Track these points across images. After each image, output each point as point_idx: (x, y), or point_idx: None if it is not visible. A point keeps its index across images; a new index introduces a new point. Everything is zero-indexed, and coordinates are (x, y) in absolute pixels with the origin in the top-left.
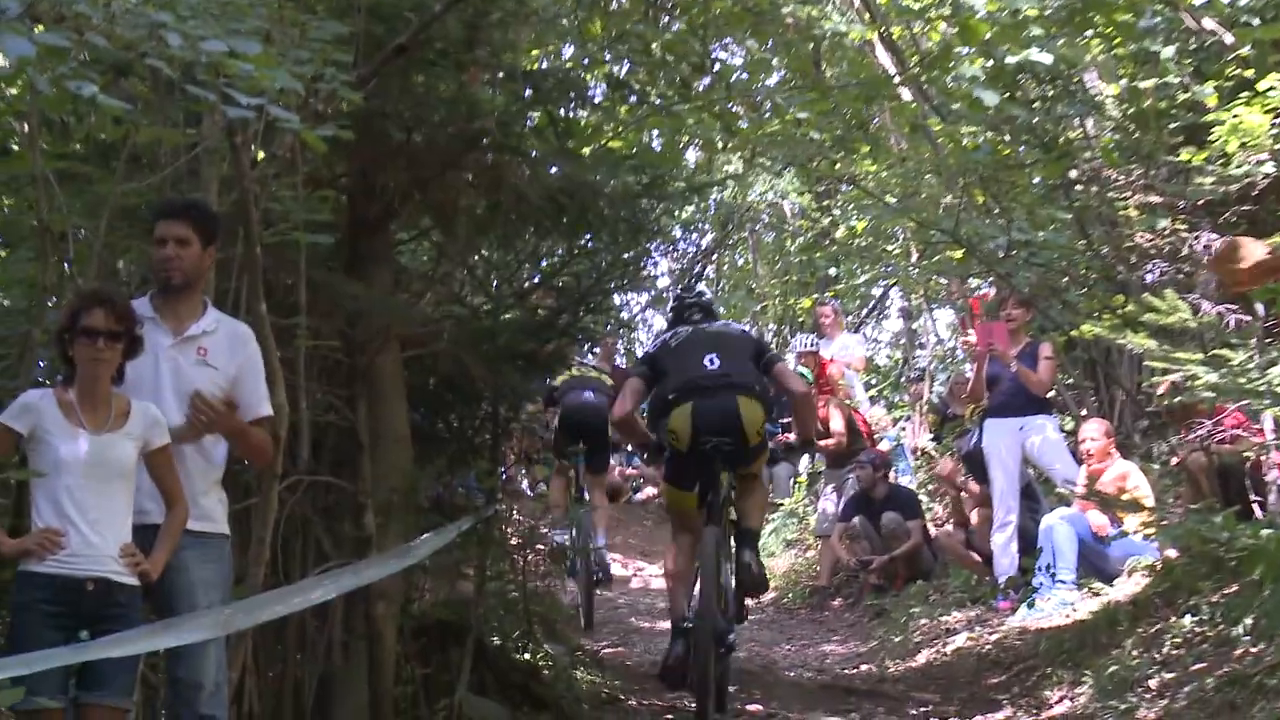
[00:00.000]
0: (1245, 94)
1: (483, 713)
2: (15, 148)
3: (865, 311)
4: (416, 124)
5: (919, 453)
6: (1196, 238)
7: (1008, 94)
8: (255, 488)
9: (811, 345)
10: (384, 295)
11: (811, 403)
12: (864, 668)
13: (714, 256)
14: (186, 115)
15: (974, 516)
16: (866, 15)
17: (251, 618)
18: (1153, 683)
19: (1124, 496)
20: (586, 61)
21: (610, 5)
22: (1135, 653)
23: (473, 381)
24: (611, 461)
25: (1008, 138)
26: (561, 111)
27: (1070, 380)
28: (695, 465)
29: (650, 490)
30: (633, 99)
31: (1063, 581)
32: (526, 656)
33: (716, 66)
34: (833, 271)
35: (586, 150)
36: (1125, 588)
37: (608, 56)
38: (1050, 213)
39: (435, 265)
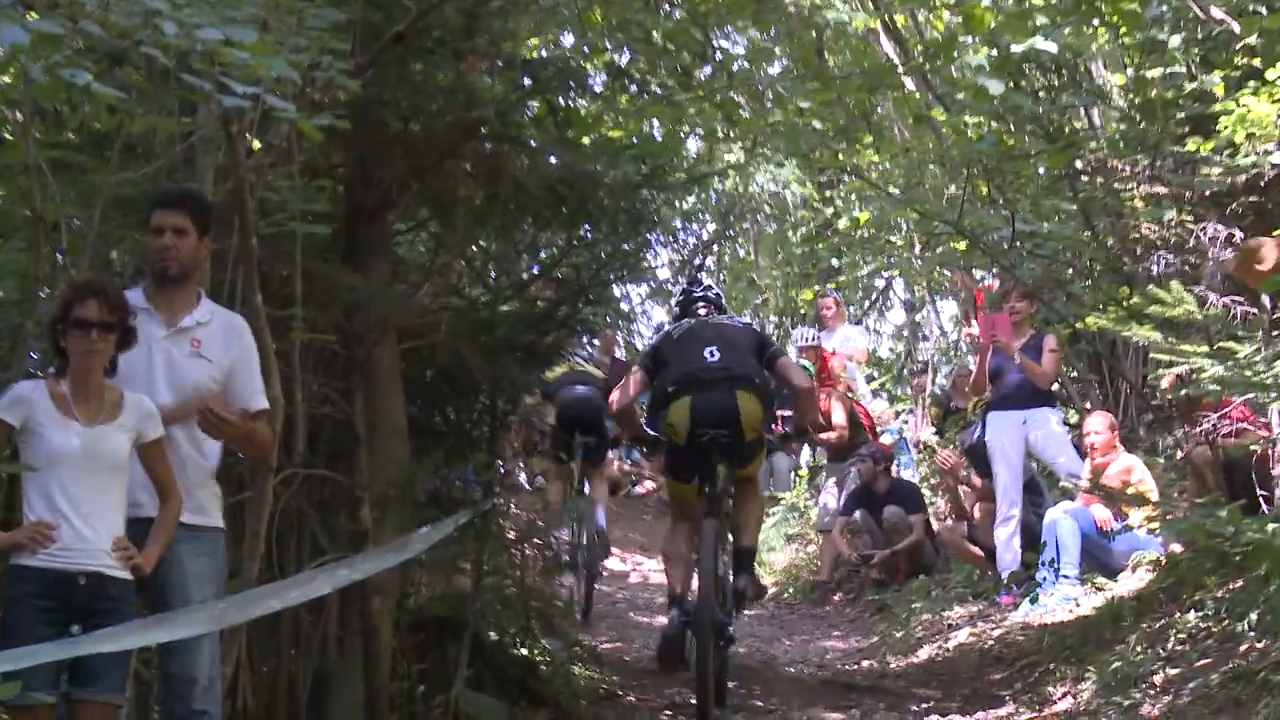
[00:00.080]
0: (1253, 83)
1: (480, 708)
2: (8, 136)
3: (868, 304)
4: (414, 113)
5: (921, 446)
6: (1203, 229)
7: (1012, 84)
8: (250, 481)
9: (812, 339)
10: (381, 286)
11: (813, 397)
12: (865, 663)
13: (715, 248)
14: (182, 104)
15: (976, 510)
16: (870, 3)
17: (245, 612)
18: (1157, 679)
19: (1128, 490)
20: (586, 50)
21: None
22: (1139, 649)
23: (471, 374)
24: (610, 455)
25: (1012, 128)
26: (561, 101)
27: (1074, 373)
28: (693, 458)
29: (649, 484)
30: (633, 88)
31: (1066, 576)
32: (524, 652)
33: (718, 55)
34: (835, 263)
35: (586, 140)
36: (1129, 583)
37: (608, 45)
38: (1055, 204)
39: (433, 256)
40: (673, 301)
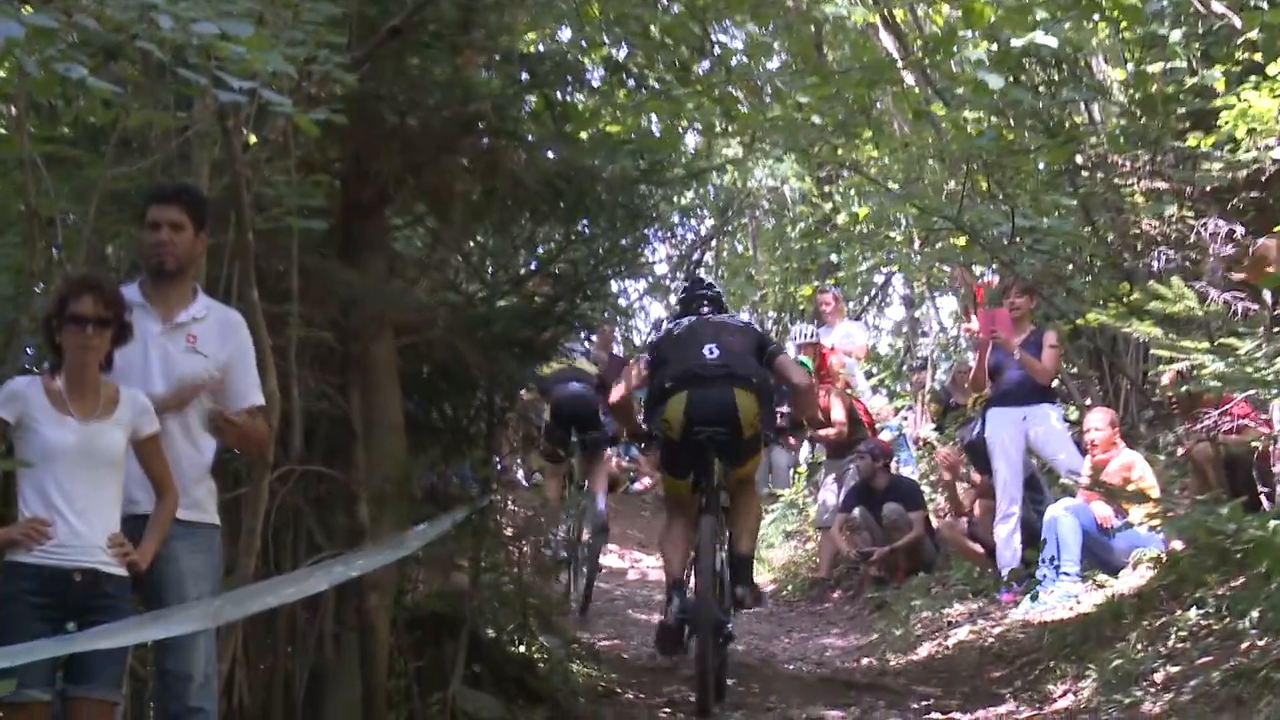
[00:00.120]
0: (1254, 78)
1: (477, 706)
2: (3, 131)
3: (867, 299)
4: (411, 108)
5: (921, 443)
6: (1204, 224)
7: (1012, 78)
8: (246, 477)
9: (811, 335)
10: (378, 282)
11: (811, 394)
12: (864, 661)
13: (713, 243)
14: (177, 98)
15: (976, 507)
16: None
17: (241, 609)
18: (1157, 676)
19: (1129, 487)
20: (584, 44)
21: None
22: (1140, 646)
23: (468, 370)
24: (609, 452)
25: (1012, 123)
26: (559, 95)
27: (1075, 369)
28: (688, 454)
29: (647, 480)
30: (631, 83)
31: (1066, 574)
32: (522, 649)
33: (716, 50)
34: (834, 258)
35: (584, 135)
36: (1130, 580)
37: (606, 39)
38: (1055, 199)
39: (430, 251)
40: (673, 299)
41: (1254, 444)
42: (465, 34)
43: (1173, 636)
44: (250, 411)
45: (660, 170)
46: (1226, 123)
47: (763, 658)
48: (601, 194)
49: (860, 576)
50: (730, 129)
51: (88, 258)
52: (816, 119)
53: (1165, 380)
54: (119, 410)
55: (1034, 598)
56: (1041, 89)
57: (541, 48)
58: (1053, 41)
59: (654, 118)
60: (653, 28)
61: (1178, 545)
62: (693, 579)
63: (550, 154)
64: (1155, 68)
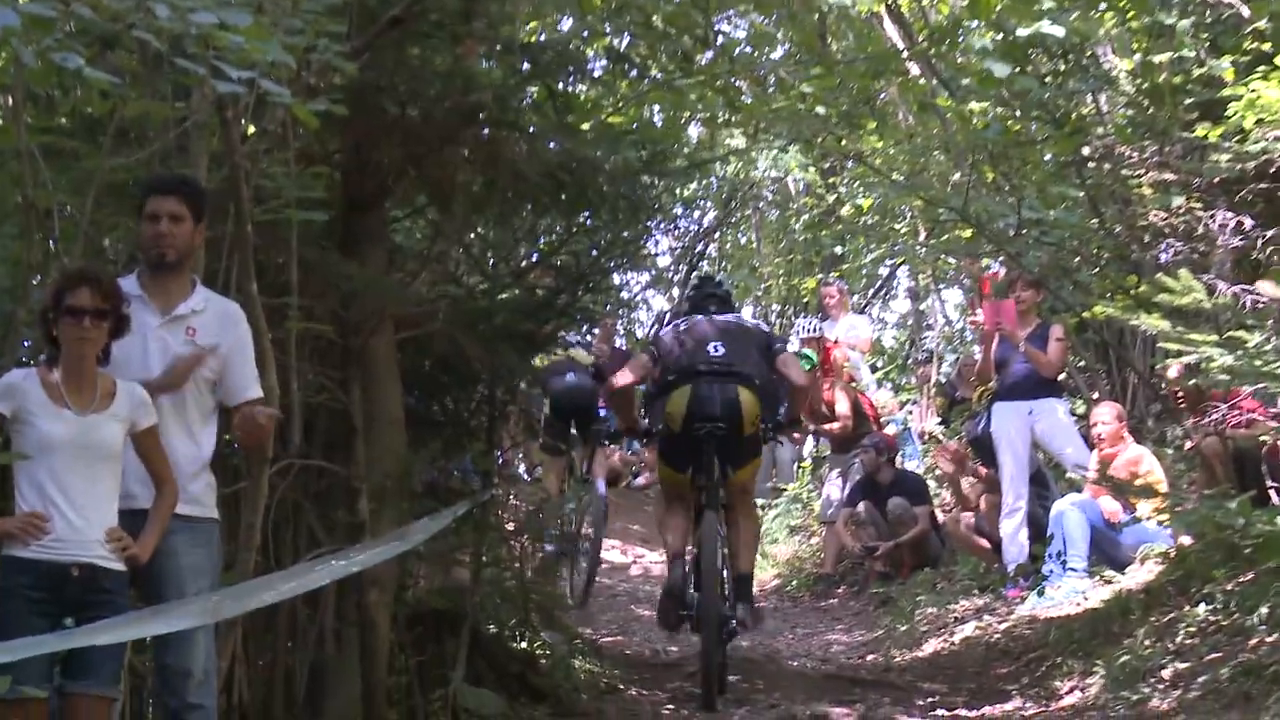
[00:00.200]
0: (1263, 68)
1: (478, 703)
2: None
3: (872, 292)
4: (411, 98)
5: (926, 437)
6: (1212, 216)
7: (1019, 68)
8: (245, 472)
9: (815, 330)
10: (378, 275)
11: (807, 393)
12: (869, 657)
13: (716, 235)
14: (175, 89)
15: (982, 502)
16: None
17: (241, 605)
18: (1165, 673)
19: (1137, 482)
20: (586, 34)
21: None
22: (1148, 642)
23: (469, 363)
24: (611, 446)
25: (1018, 113)
26: (560, 86)
27: (1082, 363)
28: (687, 448)
29: (650, 474)
30: (633, 73)
31: (1074, 569)
32: (523, 645)
33: (719, 40)
34: (838, 250)
35: (586, 125)
36: (1138, 575)
37: (608, 29)
38: (1062, 190)
39: (431, 244)
40: (676, 291)
41: (1263, 438)
42: (466, 24)
43: (1181, 633)
44: (249, 404)
45: (663, 161)
46: (1235, 113)
47: (767, 654)
48: (603, 185)
49: (865, 572)
50: (733, 120)
51: (85, 250)
52: (820, 110)
53: (1172, 374)
54: (116, 403)
55: (1040, 593)
56: (1048, 79)
57: (543, 37)
58: (1059, 31)
59: (656, 108)
60: (655, 17)
61: (1186, 540)
62: (687, 573)
63: (552, 145)
64: (1163, 58)
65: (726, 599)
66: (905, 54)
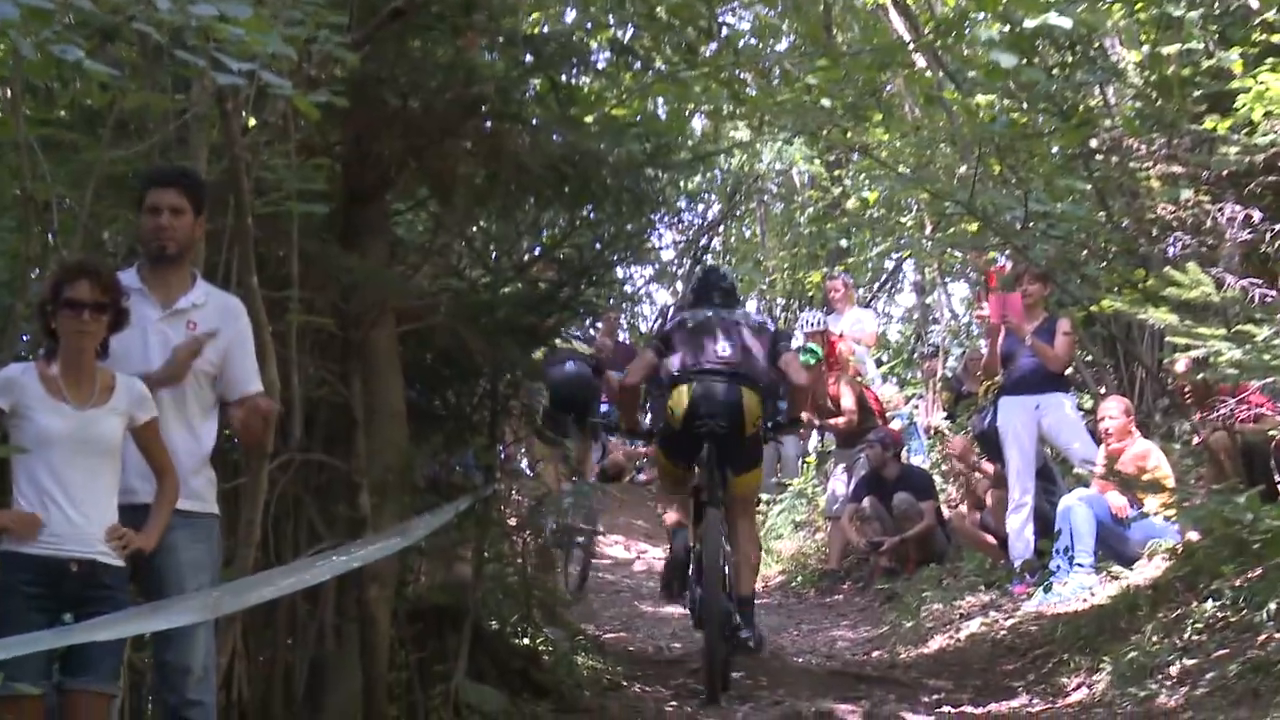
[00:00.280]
0: (1271, 60)
1: (480, 699)
2: None
3: (877, 286)
4: (413, 90)
5: (932, 431)
6: (1220, 209)
7: (1025, 60)
8: (245, 466)
9: (819, 323)
10: (379, 267)
11: (808, 394)
12: (875, 654)
13: (720, 228)
14: (175, 81)
15: (989, 497)
16: None
17: (241, 600)
18: (1173, 669)
19: (1144, 477)
20: (589, 26)
21: None
22: (1155, 638)
23: (471, 356)
24: (614, 440)
25: (1025, 106)
26: (563, 78)
27: (1089, 357)
28: (688, 445)
29: (652, 470)
30: (637, 65)
31: (1080, 565)
32: (526, 641)
33: (724, 31)
34: (844, 244)
35: (589, 118)
36: (1145, 571)
37: (611, 20)
38: (1069, 183)
39: (432, 236)
40: (680, 285)
41: (1271, 433)
42: (467, 15)
43: (1188, 629)
44: (249, 398)
45: (666, 154)
46: (1244, 105)
47: (771, 650)
48: (607, 178)
49: (870, 568)
50: (738, 112)
51: (84, 242)
52: (826, 102)
53: (1180, 368)
54: (115, 397)
55: (1047, 589)
56: (1055, 71)
57: (546, 29)
58: (1066, 23)
59: (660, 100)
60: (659, 9)
61: (1194, 536)
62: (688, 547)
63: (555, 137)
64: (1171, 49)
65: (729, 594)
66: (911, 46)
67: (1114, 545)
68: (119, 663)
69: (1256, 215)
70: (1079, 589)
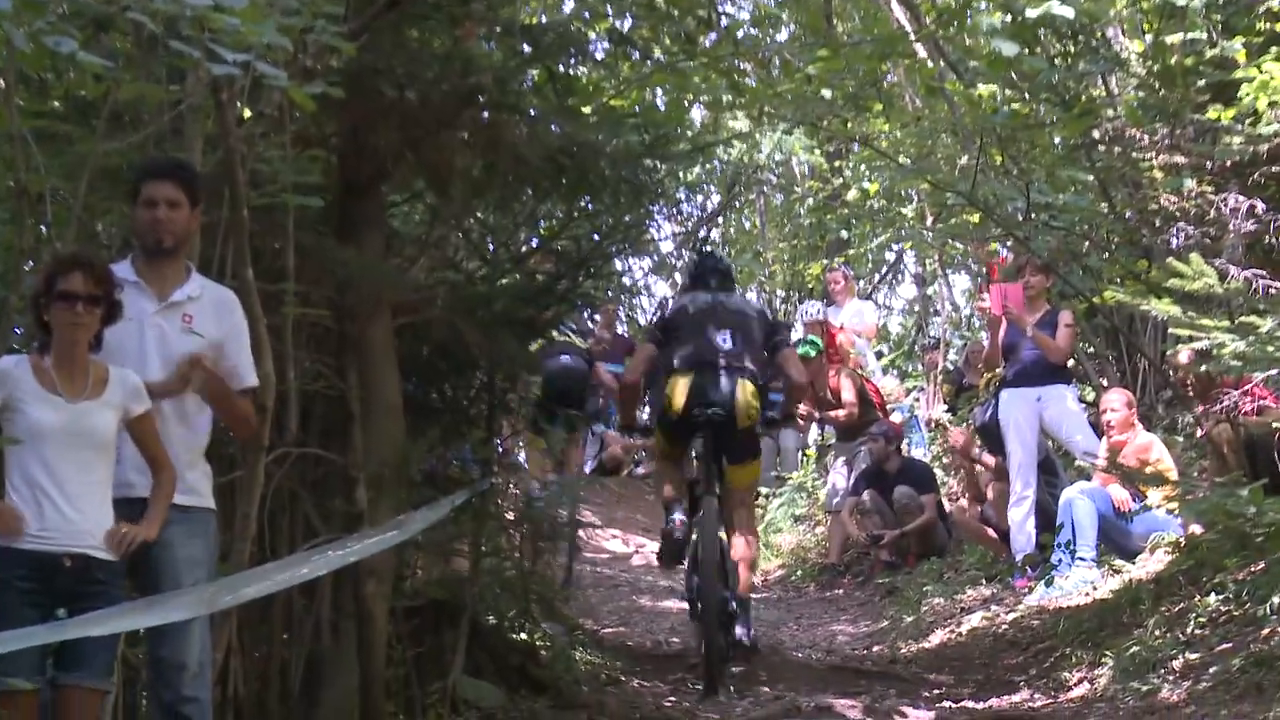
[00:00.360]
0: (1275, 49)
1: (478, 695)
2: None
3: (878, 277)
4: (409, 81)
5: (933, 424)
6: (1224, 200)
7: (1027, 50)
8: (240, 461)
9: (819, 313)
10: (375, 260)
11: (805, 391)
12: (875, 648)
13: (720, 219)
14: (170, 72)
15: (990, 491)
16: None
17: (237, 596)
18: (1176, 664)
19: (1147, 470)
20: (587, 16)
21: None
22: (1158, 633)
23: (468, 349)
24: (612, 433)
25: (1027, 96)
26: (561, 68)
27: (1091, 349)
28: (686, 432)
29: (649, 464)
30: (636, 55)
31: (1082, 559)
32: (523, 637)
33: (723, 21)
34: (844, 235)
35: (587, 109)
36: (1148, 565)
37: (609, 11)
38: (1071, 174)
39: (429, 229)
40: (679, 277)
41: (1275, 425)
42: (465, 5)
43: (1191, 623)
44: (244, 393)
45: (665, 145)
46: (1247, 95)
47: (770, 645)
48: (605, 169)
49: (870, 562)
50: (738, 102)
51: (78, 234)
52: (826, 92)
53: (1183, 360)
54: (109, 390)
55: (1049, 583)
56: (1057, 61)
57: (543, 19)
58: (1069, 12)
59: (659, 91)
60: None
61: (1197, 529)
62: (683, 522)
63: (553, 128)
64: (1174, 38)
65: (726, 583)
66: (912, 36)
67: (1116, 539)
68: (113, 658)
69: (1260, 206)
70: (1081, 583)
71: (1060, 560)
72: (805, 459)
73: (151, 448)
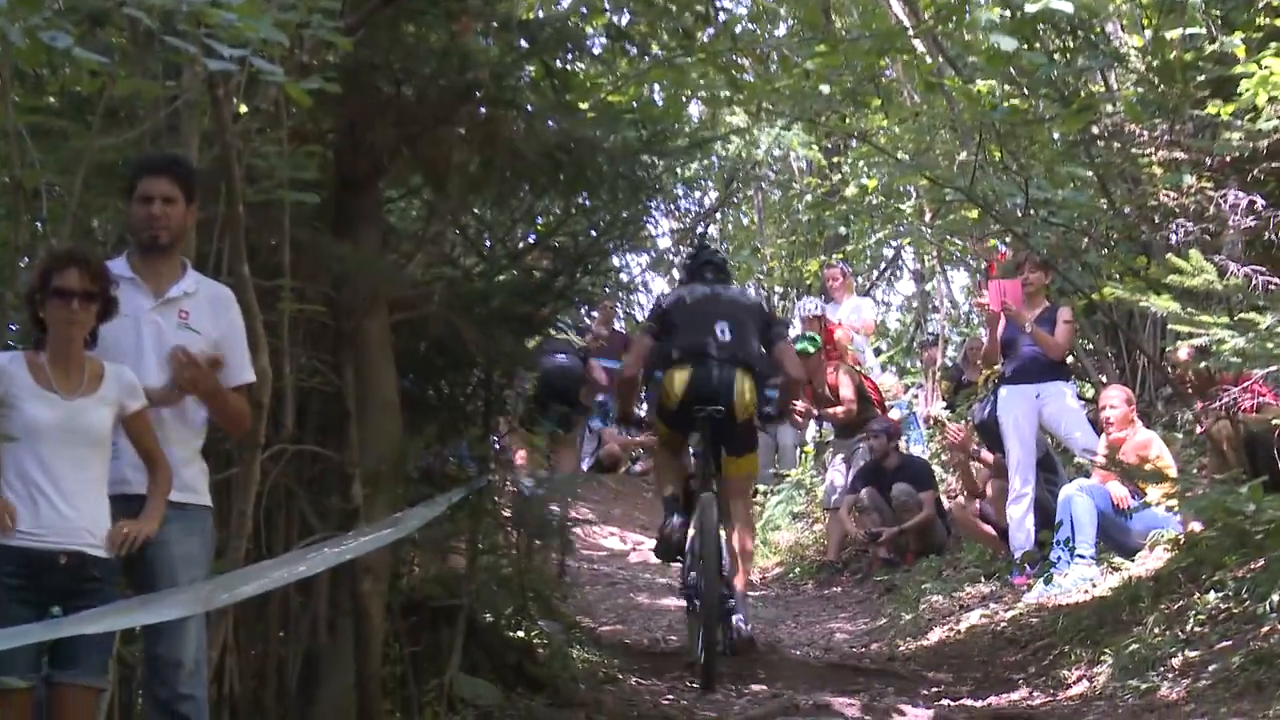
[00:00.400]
0: (1275, 45)
1: (474, 693)
2: None
3: (876, 274)
4: (406, 76)
5: (932, 421)
6: (1223, 196)
7: (1026, 45)
8: (236, 458)
9: (817, 309)
10: (372, 256)
11: (802, 386)
12: (873, 646)
13: (718, 215)
14: (166, 67)
15: (989, 488)
16: None
17: (233, 593)
18: (1175, 661)
19: (1146, 467)
20: (585, 11)
21: None
22: (1157, 630)
23: (465, 346)
24: (612, 428)
25: (1026, 91)
26: (559, 63)
27: (1090, 345)
28: (685, 423)
29: (647, 461)
30: (633, 51)
31: (1081, 556)
32: (520, 634)
33: (721, 16)
34: (842, 231)
35: (585, 104)
36: (1147, 562)
37: (607, 6)
38: (1070, 170)
39: (426, 225)
40: (677, 273)
41: (1274, 422)
42: (462, 0)
43: (1191, 620)
44: (239, 389)
45: (663, 141)
46: (1247, 90)
47: (769, 642)
48: (603, 165)
49: (869, 559)
50: (735, 98)
51: (73, 231)
52: (824, 88)
53: (1182, 356)
54: (104, 387)
55: (1048, 581)
56: (1056, 56)
57: (541, 14)
58: (1068, 6)
59: (657, 87)
60: None
61: (1196, 526)
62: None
63: (550, 124)
64: (1174, 34)
65: (725, 579)
66: (911, 31)
67: (1115, 536)
68: (108, 656)
69: (1260, 202)
70: (1080, 580)
71: (1059, 558)
72: (803, 456)
73: (147, 444)
